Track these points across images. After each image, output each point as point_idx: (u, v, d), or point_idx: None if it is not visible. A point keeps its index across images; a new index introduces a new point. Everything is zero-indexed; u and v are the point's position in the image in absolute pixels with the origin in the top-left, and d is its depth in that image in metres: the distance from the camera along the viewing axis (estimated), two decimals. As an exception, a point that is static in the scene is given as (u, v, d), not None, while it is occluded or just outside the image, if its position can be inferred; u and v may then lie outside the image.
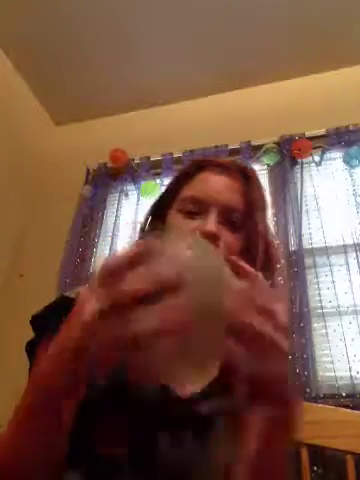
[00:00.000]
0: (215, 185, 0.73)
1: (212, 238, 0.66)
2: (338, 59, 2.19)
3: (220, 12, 2.03)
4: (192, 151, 2.15)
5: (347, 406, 1.30)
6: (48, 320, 0.63)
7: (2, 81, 2.27)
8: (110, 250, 2.05)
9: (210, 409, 0.62)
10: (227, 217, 0.70)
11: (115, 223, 2.14)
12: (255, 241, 0.71)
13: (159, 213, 0.79)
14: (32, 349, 0.64)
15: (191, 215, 0.71)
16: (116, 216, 2.16)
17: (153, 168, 2.23)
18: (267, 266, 0.73)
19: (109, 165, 2.30)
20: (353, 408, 1.29)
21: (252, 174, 0.76)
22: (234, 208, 0.71)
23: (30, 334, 0.67)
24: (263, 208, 0.75)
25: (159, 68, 2.31)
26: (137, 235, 0.83)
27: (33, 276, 2.11)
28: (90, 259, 2.08)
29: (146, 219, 0.82)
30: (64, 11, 2.08)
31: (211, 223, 0.68)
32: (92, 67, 2.34)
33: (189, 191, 0.74)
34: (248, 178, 0.75)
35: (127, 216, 2.15)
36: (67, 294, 0.67)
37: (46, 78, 2.42)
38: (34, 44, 2.24)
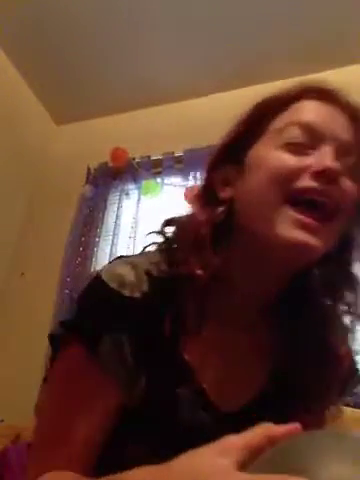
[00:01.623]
0: (328, 114, 0.53)
1: (333, 177, 0.49)
2: (337, 59, 2.19)
3: (221, 12, 2.03)
4: (193, 150, 2.15)
5: (348, 405, 1.30)
6: (85, 322, 0.52)
7: (3, 81, 2.27)
8: (111, 249, 2.05)
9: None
10: (342, 157, 0.51)
11: (116, 222, 2.14)
12: None
13: (232, 156, 0.58)
14: (56, 341, 0.55)
15: (294, 148, 0.52)
16: (117, 215, 2.17)
17: (154, 167, 2.23)
18: None
19: (110, 164, 2.29)
20: (354, 407, 1.29)
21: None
22: (351, 146, 0.52)
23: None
24: None
25: (160, 67, 2.31)
26: (200, 192, 0.61)
27: (34, 275, 2.11)
28: (91, 258, 2.08)
29: (212, 165, 0.60)
30: (65, 11, 2.07)
31: (331, 157, 0.49)
32: (93, 66, 2.34)
33: (291, 118, 0.54)
34: (357, 114, 0.55)
35: (128, 215, 2.15)
36: (106, 280, 0.53)
37: (47, 78, 2.42)
38: (35, 44, 2.24)
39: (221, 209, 0.55)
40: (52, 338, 0.55)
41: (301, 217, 0.49)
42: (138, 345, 0.52)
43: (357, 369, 0.63)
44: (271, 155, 0.52)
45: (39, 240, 2.24)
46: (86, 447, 0.50)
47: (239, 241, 0.55)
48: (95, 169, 2.33)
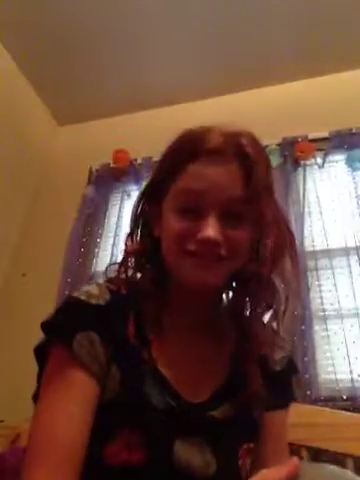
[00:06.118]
0: (210, 179, 0.63)
1: (212, 245, 0.61)
2: (341, 62, 2.19)
3: (223, 14, 2.03)
4: (195, 152, 2.15)
5: (347, 409, 1.30)
6: (60, 325, 0.62)
7: (6, 82, 2.28)
8: (112, 250, 2.05)
9: (222, 413, 0.64)
10: (228, 210, 0.63)
11: (117, 223, 2.14)
12: (263, 230, 0.65)
13: (152, 199, 0.73)
14: (41, 353, 0.63)
15: (186, 214, 0.64)
16: (118, 216, 2.17)
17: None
18: (281, 252, 0.67)
19: (112, 165, 2.30)
20: (353, 411, 1.29)
21: (251, 150, 0.65)
22: (234, 200, 0.63)
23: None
24: (267, 188, 0.65)
25: (162, 69, 2.32)
26: (130, 223, 0.78)
27: (35, 275, 2.12)
28: (92, 259, 2.08)
29: (138, 206, 0.76)
30: (68, 13, 2.08)
31: (210, 229, 0.61)
32: (95, 68, 2.35)
33: (182, 185, 0.66)
34: (246, 158, 0.64)
35: (129, 216, 2.14)
36: (77, 295, 0.65)
37: (49, 79, 2.42)
38: (38, 45, 2.24)
39: (151, 245, 0.71)
40: (36, 352, 0.64)
41: (197, 262, 0.63)
42: (108, 343, 0.61)
43: (295, 368, 0.78)
44: (170, 219, 0.65)
45: (40, 240, 2.24)
46: (73, 442, 0.55)
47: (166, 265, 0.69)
48: (97, 170, 2.34)
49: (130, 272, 0.72)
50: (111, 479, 0.57)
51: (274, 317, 0.68)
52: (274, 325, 0.69)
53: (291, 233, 0.70)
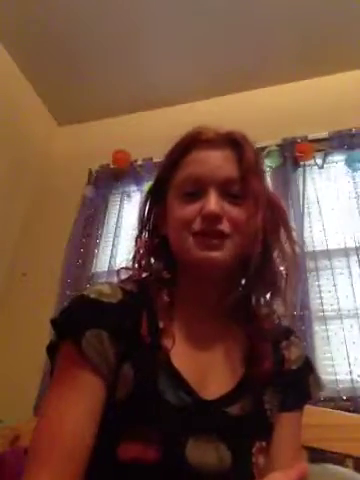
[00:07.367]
0: (208, 162, 0.69)
1: (215, 218, 0.65)
2: (341, 62, 2.19)
3: (223, 14, 2.04)
4: (195, 153, 2.15)
5: (347, 409, 1.30)
6: (70, 323, 0.61)
7: (6, 82, 2.28)
8: (112, 251, 2.05)
9: (236, 410, 0.64)
10: (226, 190, 0.67)
11: (117, 224, 2.14)
12: (254, 207, 0.67)
13: (157, 200, 0.76)
14: (53, 351, 0.64)
15: (189, 197, 0.68)
16: (118, 217, 2.17)
17: (156, 169, 2.22)
18: (274, 227, 0.69)
19: (112, 166, 2.30)
20: (353, 411, 1.29)
21: (240, 138, 0.72)
22: (231, 179, 0.68)
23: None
24: (257, 171, 0.71)
25: (162, 70, 2.32)
26: (137, 224, 0.79)
27: (35, 275, 2.12)
28: (92, 259, 2.08)
29: (145, 208, 0.78)
30: (68, 13, 2.08)
31: (212, 202, 0.65)
32: (95, 68, 2.35)
33: (183, 173, 0.71)
34: (237, 144, 0.71)
35: (129, 217, 2.15)
36: (87, 293, 0.64)
37: (49, 79, 2.42)
38: (38, 45, 2.24)
39: (158, 241, 0.75)
40: (48, 350, 0.65)
41: (202, 241, 0.65)
42: (119, 341, 0.60)
43: (311, 367, 0.76)
44: (175, 207, 0.69)
45: (40, 241, 2.24)
46: (77, 441, 0.55)
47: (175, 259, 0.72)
48: (97, 171, 2.34)
49: (141, 271, 0.74)
50: (125, 476, 0.56)
51: (277, 294, 0.70)
52: (278, 302, 0.71)
53: (282, 208, 0.73)
